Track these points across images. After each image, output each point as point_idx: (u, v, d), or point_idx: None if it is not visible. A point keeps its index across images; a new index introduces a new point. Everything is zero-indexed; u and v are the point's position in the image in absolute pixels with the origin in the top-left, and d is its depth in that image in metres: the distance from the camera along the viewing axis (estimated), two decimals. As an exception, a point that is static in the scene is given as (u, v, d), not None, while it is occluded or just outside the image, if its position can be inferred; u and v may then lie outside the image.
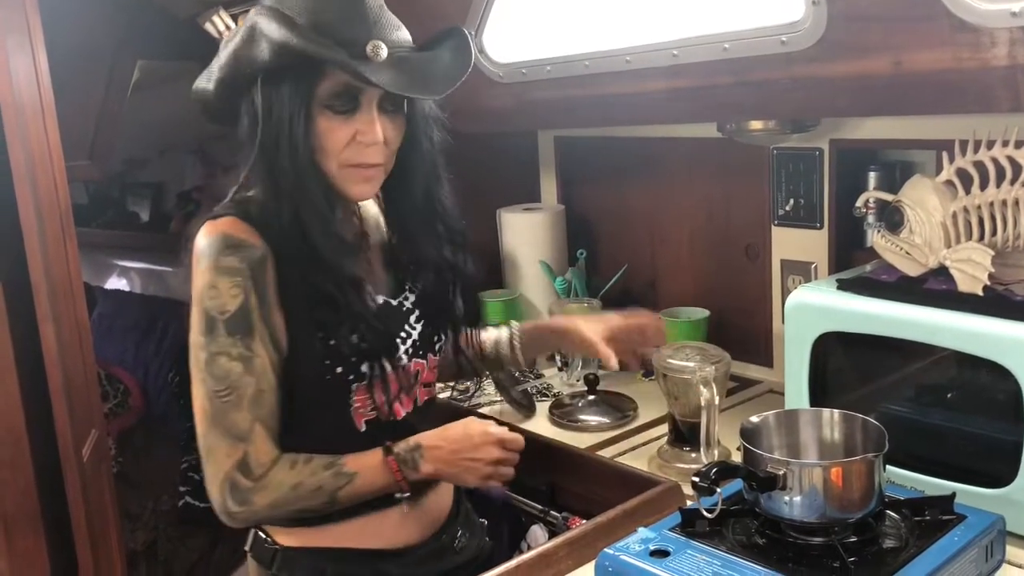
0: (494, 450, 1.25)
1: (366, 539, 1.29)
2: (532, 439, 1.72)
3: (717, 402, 1.48)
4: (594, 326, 1.49)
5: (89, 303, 2.30)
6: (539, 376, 2.07)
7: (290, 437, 1.22)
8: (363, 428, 1.26)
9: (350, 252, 1.24)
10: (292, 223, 1.17)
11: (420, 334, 1.32)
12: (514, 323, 1.56)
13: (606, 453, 1.66)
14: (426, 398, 1.36)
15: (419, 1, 2.01)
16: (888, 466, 1.16)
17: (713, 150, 1.99)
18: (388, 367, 1.24)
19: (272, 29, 1.10)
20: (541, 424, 1.81)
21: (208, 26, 2.80)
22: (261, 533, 1.32)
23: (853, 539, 1.12)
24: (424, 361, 1.33)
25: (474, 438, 1.24)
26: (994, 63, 1.22)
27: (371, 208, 1.37)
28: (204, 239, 1.17)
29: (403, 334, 1.29)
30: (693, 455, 1.53)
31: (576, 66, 1.81)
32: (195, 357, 1.17)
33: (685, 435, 1.54)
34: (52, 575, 1.65)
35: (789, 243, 1.90)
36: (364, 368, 1.22)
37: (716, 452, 1.49)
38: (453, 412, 1.72)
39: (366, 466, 1.22)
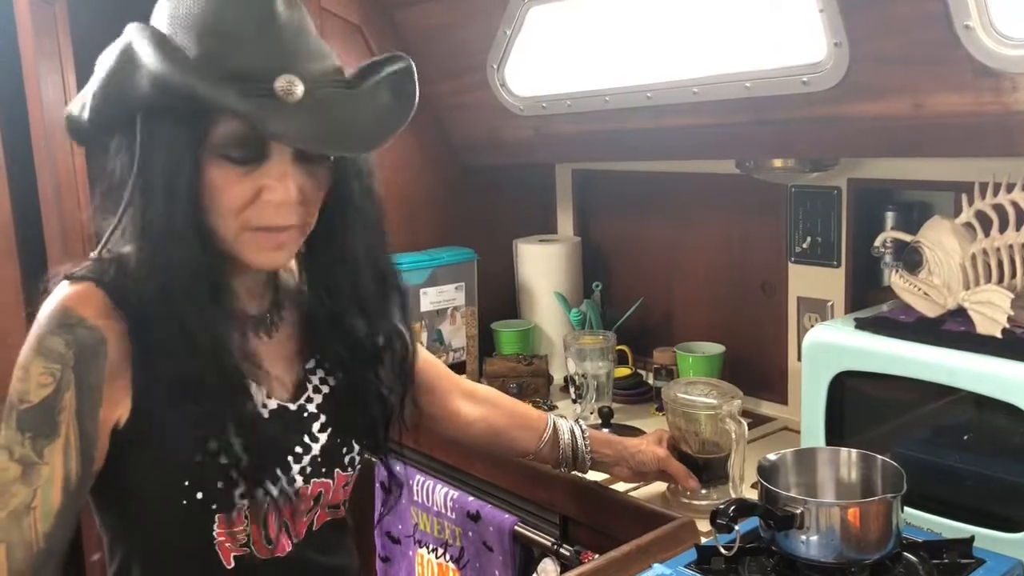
0: None
1: None
2: (545, 471, 1.72)
3: (746, 436, 1.49)
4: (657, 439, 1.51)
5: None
6: (553, 408, 2.06)
7: (148, 572, 1.02)
8: (231, 564, 1.00)
9: (226, 345, 0.95)
10: (159, 297, 0.91)
11: (324, 447, 1.06)
12: (583, 424, 1.52)
13: (619, 487, 1.65)
14: (327, 520, 1.10)
15: (440, 37, 2.05)
16: (905, 507, 1.15)
17: (731, 186, 2.00)
18: (270, 494, 0.98)
19: (150, 58, 0.86)
20: (554, 456, 1.80)
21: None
22: None
23: (870, 580, 1.11)
24: (330, 480, 1.06)
25: None
26: (1015, 107, 1.23)
27: (290, 280, 1.12)
28: (45, 307, 0.93)
29: (299, 449, 1.04)
30: (703, 491, 1.52)
31: (596, 101, 1.83)
32: None
33: (698, 471, 1.53)
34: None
35: (806, 281, 1.90)
36: (235, 496, 0.97)
37: (742, 488, 1.49)
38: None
39: None
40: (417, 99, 0.99)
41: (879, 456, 1.21)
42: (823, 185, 1.83)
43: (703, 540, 1.36)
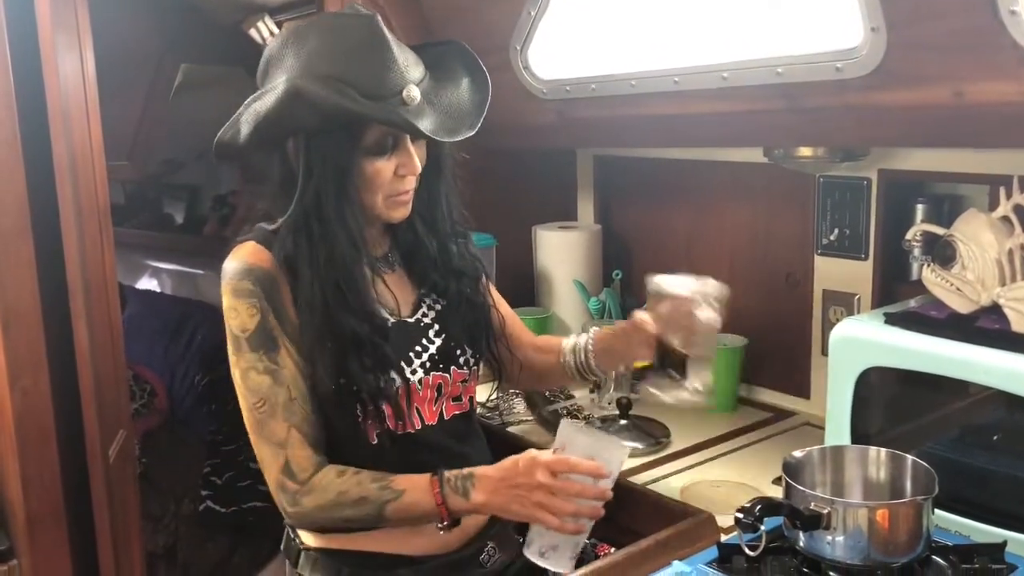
0: (537, 473, 1.18)
1: (387, 543, 1.30)
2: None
3: (719, 325, 1.38)
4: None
5: (120, 303, 2.30)
6: (570, 397, 2.04)
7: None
8: (374, 440, 1.29)
9: (368, 290, 1.29)
10: (324, 264, 1.24)
11: (439, 348, 1.35)
12: (594, 329, 1.52)
13: (636, 480, 1.62)
14: (456, 412, 1.38)
15: (468, 17, 2.01)
16: (934, 509, 1.12)
17: (758, 175, 1.96)
18: (393, 382, 1.27)
19: (321, 95, 1.16)
20: (571, 446, 1.77)
21: (253, 32, 2.81)
22: (291, 533, 1.39)
23: (898, 584, 1.08)
24: (447, 375, 1.35)
25: (519, 464, 1.20)
26: (1061, 97, 1.19)
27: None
28: (226, 263, 1.27)
29: (418, 348, 1.33)
30: (684, 383, 1.41)
31: (622, 85, 1.79)
32: (233, 374, 1.26)
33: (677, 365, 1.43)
34: (72, 573, 1.65)
35: (832, 273, 1.86)
36: (369, 380, 1.25)
37: (710, 380, 1.41)
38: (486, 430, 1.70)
39: (414, 486, 1.22)
40: (487, 74, 1.31)
41: (909, 456, 1.18)
42: (853, 175, 1.79)
43: (723, 537, 1.33)
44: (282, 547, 1.43)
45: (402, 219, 1.32)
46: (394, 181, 1.26)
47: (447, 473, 1.23)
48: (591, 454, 1.19)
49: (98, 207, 1.81)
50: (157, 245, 3.82)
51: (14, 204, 1.50)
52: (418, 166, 1.27)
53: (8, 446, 1.55)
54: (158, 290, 3.71)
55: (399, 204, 1.29)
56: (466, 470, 1.23)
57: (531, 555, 1.23)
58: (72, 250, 1.57)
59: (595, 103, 1.88)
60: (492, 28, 1.95)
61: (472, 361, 1.40)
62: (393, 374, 1.27)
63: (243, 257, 1.26)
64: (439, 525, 1.23)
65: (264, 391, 1.23)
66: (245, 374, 1.24)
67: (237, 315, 1.24)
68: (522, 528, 1.49)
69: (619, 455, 1.22)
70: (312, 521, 1.28)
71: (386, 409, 1.27)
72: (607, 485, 1.20)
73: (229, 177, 3.66)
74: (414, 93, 1.21)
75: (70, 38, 1.67)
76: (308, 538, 1.36)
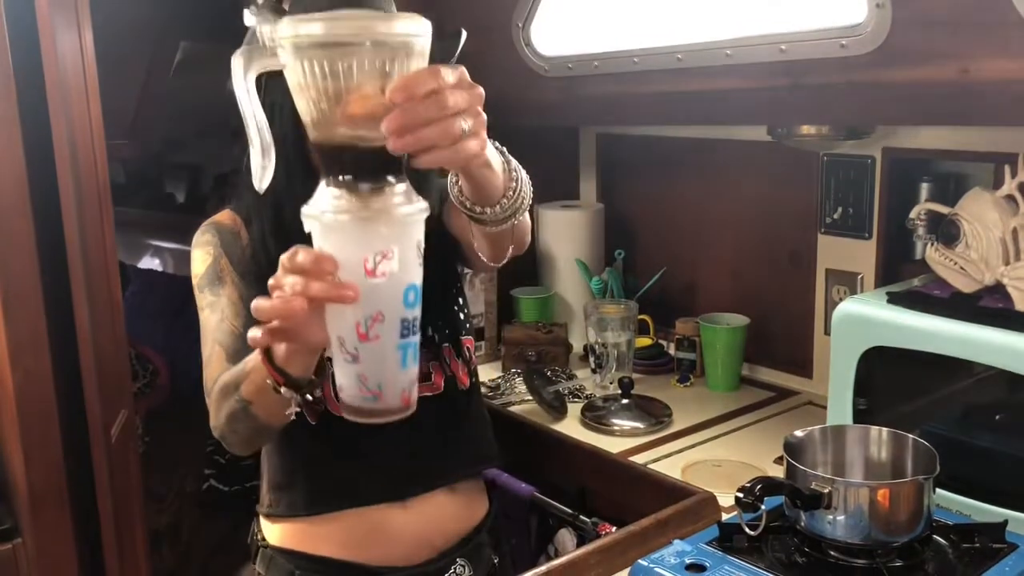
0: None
1: (344, 550, 1.27)
2: (563, 441, 1.70)
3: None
4: None
5: (122, 282, 2.30)
6: (572, 377, 2.04)
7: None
8: (314, 421, 1.23)
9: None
10: (256, 205, 1.25)
11: None
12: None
13: (638, 459, 1.62)
14: (427, 394, 1.29)
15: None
16: (935, 489, 1.12)
17: (761, 153, 1.95)
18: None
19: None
20: (572, 426, 1.78)
21: (247, 13, 2.78)
22: (255, 527, 1.36)
23: (898, 563, 1.08)
24: None
25: None
26: (1068, 75, 1.17)
27: None
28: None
29: None
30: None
31: (624, 62, 1.77)
32: None
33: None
34: (76, 551, 1.65)
35: (836, 252, 1.85)
36: None
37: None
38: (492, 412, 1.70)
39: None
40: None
41: (910, 435, 1.18)
42: (857, 154, 1.78)
43: (724, 516, 1.33)
44: (248, 540, 1.38)
45: None
46: None
47: None
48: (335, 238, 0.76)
49: (98, 185, 1.80)
50: (159, 224, 3.80)
51: (13, 183, 1.49)
52: None
53: (10, 426, 1.55)
54: (160, 270, 3.71)
55: None
56: None
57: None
58: (72, 229, 1.57)
59: (598, 80, 1.87)
60: (494, 5, 1.94)
61: (438, 337, 1.31)
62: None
63: (211, 219, 1.30)
64: (294, 400, 0.93)
65: (204, 326, 1.21)
66: (199, 318, 1.22)
67: (192, 264, 1.24)
68: (496, 545, 1.44)
69: (372, 225, 0.72)
70: (224, 436, 1.16)
71: (324, 389, 1.16)
72: (353, 278, 0.76)
73: (230, 155, 3.64)
74: None
75: (68, 15, 1.65)
76: (269, 534, 1.32)
